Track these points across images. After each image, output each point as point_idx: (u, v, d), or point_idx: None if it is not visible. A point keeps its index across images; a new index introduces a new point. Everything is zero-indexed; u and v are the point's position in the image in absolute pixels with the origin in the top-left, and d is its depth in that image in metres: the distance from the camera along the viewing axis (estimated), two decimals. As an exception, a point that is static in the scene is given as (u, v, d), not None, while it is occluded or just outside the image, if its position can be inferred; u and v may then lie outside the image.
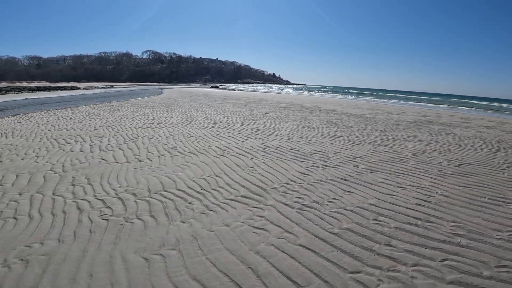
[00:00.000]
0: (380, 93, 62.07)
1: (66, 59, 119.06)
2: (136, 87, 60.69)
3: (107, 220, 3.03)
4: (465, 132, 9.89)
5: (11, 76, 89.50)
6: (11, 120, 10.36)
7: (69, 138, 7.17)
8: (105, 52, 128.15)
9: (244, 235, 2.87)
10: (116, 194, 3.72)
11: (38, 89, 44.33)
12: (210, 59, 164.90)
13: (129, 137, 7.37)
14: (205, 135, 7.76)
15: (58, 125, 9.13)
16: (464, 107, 29.88)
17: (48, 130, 8.35)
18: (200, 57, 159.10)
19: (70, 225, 2.94)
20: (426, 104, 30.69)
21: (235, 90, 50.73)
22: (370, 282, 2.20)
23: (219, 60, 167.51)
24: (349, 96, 45.19)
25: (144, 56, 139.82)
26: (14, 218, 3.11)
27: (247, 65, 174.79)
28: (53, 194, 3.73)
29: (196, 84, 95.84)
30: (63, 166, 4.92)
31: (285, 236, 2.87)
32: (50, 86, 50.38)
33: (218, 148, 6.36)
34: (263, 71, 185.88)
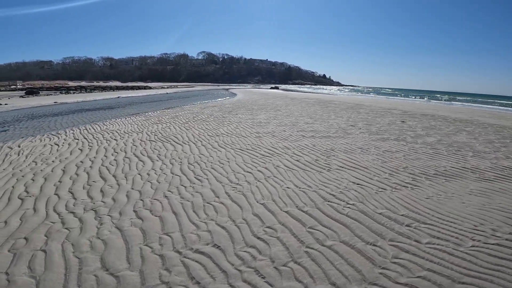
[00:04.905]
0: (453, 96, 56.10)
1: (133, 60, 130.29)
2: (199, 87, 62.86)
3: None
4: None
5: (89, 76, 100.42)
6: (143, 120, 10.25)
7: (252, 148, 6.71)
8: (166, 54, 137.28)
9: None
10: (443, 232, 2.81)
11: (118, 88, 48.36)
12: (260, 60, 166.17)
13: (316, 149, 6.66)
14: (399, 150, 6.74)
15: (207, 128, 8.88)
16: None
17: (209, 135, 8.06)
18: (251, 58, 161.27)
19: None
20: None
21: (305, 92, 49.63)
22: None
23: (269, 61, 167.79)
24: (424, 99, 40.94)
25: (200, 57, 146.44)
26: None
27: (296, 66, 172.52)
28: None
29: (250, 85, 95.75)
30: (326, 187, 4.26)
31: None
32: (127, 86, 54.77)
33: (449, 169, 5.26)
34: (312, 72, 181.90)
